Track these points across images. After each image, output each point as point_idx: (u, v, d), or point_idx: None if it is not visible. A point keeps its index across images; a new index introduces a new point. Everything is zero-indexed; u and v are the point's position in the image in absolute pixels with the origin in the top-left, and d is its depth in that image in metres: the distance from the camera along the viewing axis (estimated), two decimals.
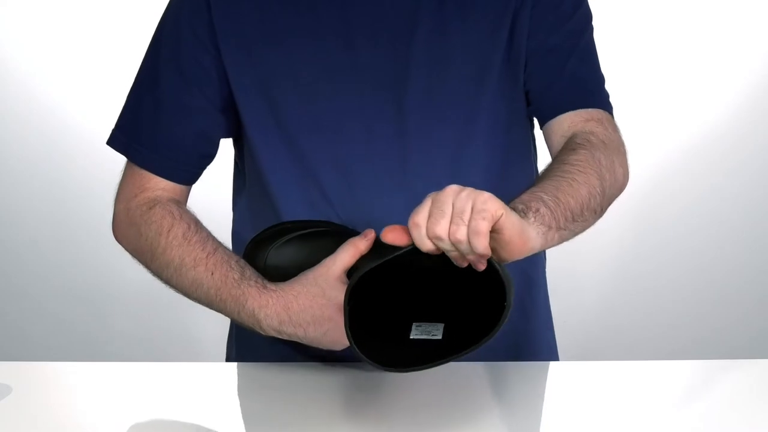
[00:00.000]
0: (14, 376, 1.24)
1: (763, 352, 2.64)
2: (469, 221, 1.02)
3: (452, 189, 1.04)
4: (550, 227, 1.12)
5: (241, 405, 1.21)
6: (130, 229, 1.33)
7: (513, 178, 1.34)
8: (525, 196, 1.14)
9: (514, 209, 1.08)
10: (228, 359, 1.45)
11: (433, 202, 1.04)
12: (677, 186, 2.71)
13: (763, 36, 2.70)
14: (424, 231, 1.03)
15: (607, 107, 1.35)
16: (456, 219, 1.02)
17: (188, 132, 1.34)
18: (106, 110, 2.63)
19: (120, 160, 1.39)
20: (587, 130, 1.30)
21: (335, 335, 1.19)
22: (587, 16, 1.38)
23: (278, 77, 1.29)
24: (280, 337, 1.21)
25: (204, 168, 1.38)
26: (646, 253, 2.74)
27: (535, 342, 1.39)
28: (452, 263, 1.06)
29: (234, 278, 1.23)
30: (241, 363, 1.32)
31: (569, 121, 1.32)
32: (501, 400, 1.18)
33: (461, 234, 1.02)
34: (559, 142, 1.32)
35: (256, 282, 1.22)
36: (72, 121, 2.69)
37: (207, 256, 1.26)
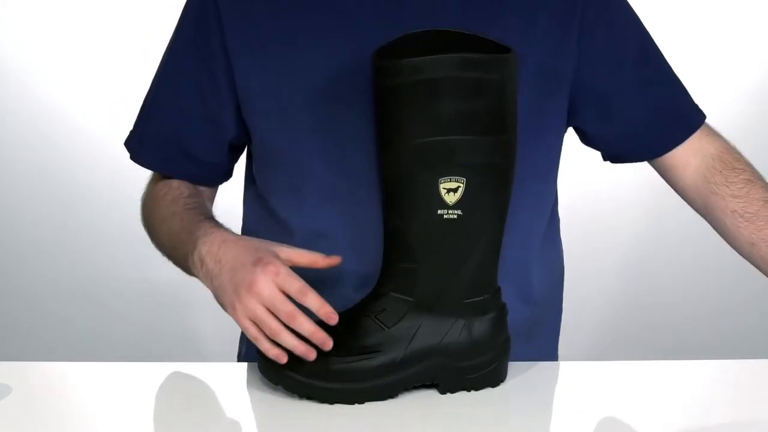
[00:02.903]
0: (14, 376, 1.23)
1: (763, 352, 2.64)
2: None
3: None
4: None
5: (241, 406, 1.20)
6: (143, 210, 1.40)
7: (535, 191, 1.35)
8: None
9: None
10: (239, 356, 1.46)
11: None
12: None
13: (764, 36, 2.70)
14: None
15: (702, 117, 1.40)
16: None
17: (197, 138, 1.36)
18: (107, 110, 2.65)
19: (122, 160, 1.40)
20: (722, 148, 1.39)
21: (237, 279, 1.17)
22: (639, 26, 1.38)
23: (289, 79, 1.29)
24: (202, 274, 1.22)
25: (222, 172, 1.42)
26: (649, 253, 2.73)
27: (536, 338, 1.39)
28: None
29: (199, 218, 1.28)
30: (240, 363, 1.32)
31: (691, 150, 1.38)
32: (501, 400, 1.18)
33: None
34: (693, 174, 1.38)
35: (215, 222, 1.27)
36: (73, 121, 2.69)
37: (187, 202, 1.33)
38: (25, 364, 1.31)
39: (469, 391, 1.19)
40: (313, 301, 1.15)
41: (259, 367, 1.20)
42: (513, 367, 1.23)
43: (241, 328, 1.18)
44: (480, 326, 1.18)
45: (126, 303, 2.75)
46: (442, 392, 1.18)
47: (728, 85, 2.69)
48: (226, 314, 1.21)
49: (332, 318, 1.15)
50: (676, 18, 2.67)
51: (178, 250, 1.28)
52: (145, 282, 2.67)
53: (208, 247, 1.21)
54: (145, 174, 1.43)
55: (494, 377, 1.20)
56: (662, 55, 1.39)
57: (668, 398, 1.19)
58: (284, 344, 1.15)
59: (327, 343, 1.14)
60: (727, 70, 2.69)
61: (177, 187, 1.37)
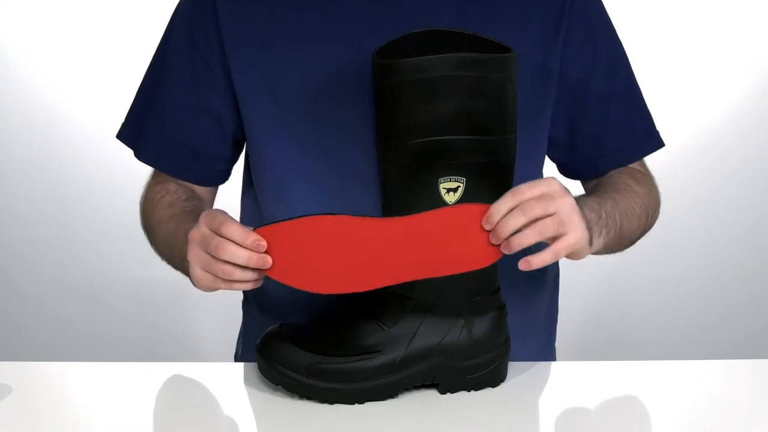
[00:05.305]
0: (14, 376, 1.23)
1: (763, 352, 2.64)
2: (553, 243, 1.12)
3: (549, 195, 1.11)
4: (605, 248, 1.25)
5: (240, 406, 1.20)
6: (142, 214, 1.39)
7: None
8: (608, 208, 1.24)
9: (589, 221, 1.17)
10: (236, 357, 1.46)
11: (520, 206, 1.10)
12: (678, 185, 2.71)
13: (764, 36, 2.70)
14: (494, 220, 1.11)
15: (659, 146, 1.40)
16: (534, 228, 1.10)
17: (199, 133, 1.35)
18: (108, 110, 2.64)
19: (121, 160, 1.39)
20: (633, 167, 1.39)
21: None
22: (615, 44, 1.37)
23: (286, 79, 1.29)
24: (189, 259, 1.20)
25: (224, 169, 1.40)
26: (647, 252, 2.73)
27: (533, 338, 1.39)
28: None
29: (194, 220, 1.24)
30: (239, 363, 1.32)
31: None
32: (501, 400, 1.18)
33: (529, 241, 1.11)
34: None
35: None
36: (73, 121, 2.69)
37: (185, 205, 1.33)
38: (25, 364, 1.31)
39: (469, 391, 1.19)
40: (234, 231, 1.11)
41: (258, 367, 1.20)
42: (512, 367, 1.23)
43: (204, 289, 1.17)
44: (480, 326, 1.18)
45: (126, 303, 2.75)
46: (442, 392, 1.19)
47: (728, 85, 2.69)
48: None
49: (260, 246, 1.11)
50: (676, 18, 2.67)
51: (174, 252, 1.28)
52: (145, 282, 2.67)
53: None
54: (144, 174, 1.43)
55: (494, 377, 1.20)
56: (633, 78, 1.39)
57: (667, 398, 1.19)
58: (241, 281, 1.14)
59: (266, 260, 1.11)
60: (726, 70, 2.69)
61: (174, 191, 1.36)
